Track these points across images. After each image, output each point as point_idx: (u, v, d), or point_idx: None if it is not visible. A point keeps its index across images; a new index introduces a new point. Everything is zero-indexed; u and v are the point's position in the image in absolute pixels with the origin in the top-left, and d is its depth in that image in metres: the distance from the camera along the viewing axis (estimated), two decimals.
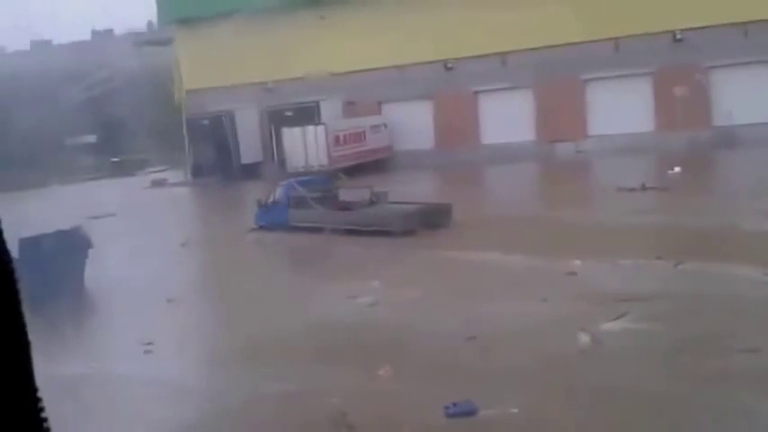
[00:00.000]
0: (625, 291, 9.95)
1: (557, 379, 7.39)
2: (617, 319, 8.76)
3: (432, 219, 15.37)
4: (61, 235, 12.18)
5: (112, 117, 28.95)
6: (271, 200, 17.04)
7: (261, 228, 16.72)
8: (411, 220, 15.27)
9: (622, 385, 7.00)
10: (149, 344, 9.39)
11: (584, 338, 8.35)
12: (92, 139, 35.29)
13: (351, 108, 30.01)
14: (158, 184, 30.70)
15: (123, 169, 34.95)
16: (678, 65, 25.09)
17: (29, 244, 11.55)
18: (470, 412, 6.55)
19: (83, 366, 8.98)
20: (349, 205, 16.61)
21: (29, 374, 0.73)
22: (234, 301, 12.14)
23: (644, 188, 17.56)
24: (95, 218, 16.64)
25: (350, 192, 17.62)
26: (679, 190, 17.48)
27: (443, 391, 7.02)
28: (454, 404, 6.68)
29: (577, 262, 11.51)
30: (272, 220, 16.56)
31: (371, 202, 16.71)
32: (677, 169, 19.61)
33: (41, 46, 42.45)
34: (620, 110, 25.82)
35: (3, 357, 0.69)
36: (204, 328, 11.24)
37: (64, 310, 11.09)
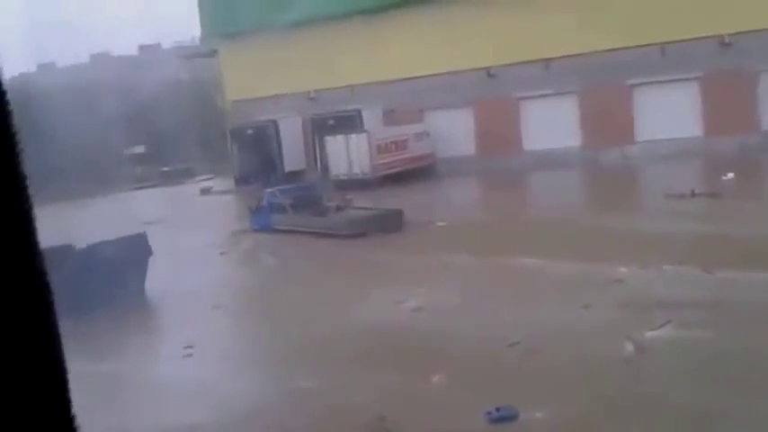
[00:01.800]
0: (670, 298, 9.81)
1: (600, 387, 7.34)
2: (661, 327, 8.64)
3: (386, 223, 16.91)
4: (123, 241, 12.56)
5: (162, 128, 29.64)
6: (258, 206, 19.25)
7: (254, 230, 18.79)
8: (367, 224, 16.92)
9: (663, 395, 6.89)
10: (190, 347, 9.68)
11: (629, 347, 8.27)
12: (142, 149, 36.19)
13: (393, 116, 30.14)
14: (205, 192, 31.30)
15: (172, 178, 35.72)
16: (726, 69, 24.61)
17: (93, 250, 11.97)
18: (512, 417, 6.56)
19: (130, 364, 9.28)
20: (320, 211, 18.47)
21: (60, 368, 0.73)
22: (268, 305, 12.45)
23: (693, 195, 17.08)
24: (147, 224, 17.11)
25: (329, 199, 19.66)
26: (732, 197, 16.82)
27: (482, 394, 7.04)
28: (497, 409, 6.70)
29: (623, 269, 11.39)
30: (260, 223, 18.74)
31: (338, 209, 18.61)
32: (730, 175, 18.87)
33: (98, 59, 43.85)
34: (668, 115, 25.40)
35: (34, 349, 0.69)
36: (248, 332, 11.51)
37: (124, 314, 11.47)
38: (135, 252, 12.46)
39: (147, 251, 12.70)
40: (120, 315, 11.38)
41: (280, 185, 26.89)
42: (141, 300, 12.69)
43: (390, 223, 16.84)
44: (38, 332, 0.71)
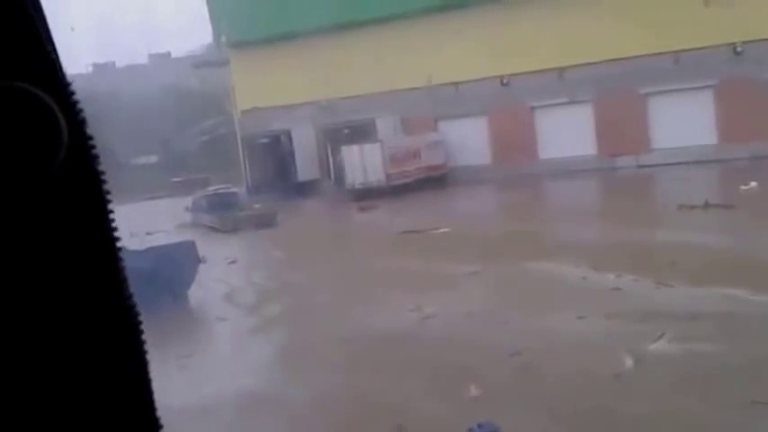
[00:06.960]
0: (666, 311, 9.63)
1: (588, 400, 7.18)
2: (657, 339, 8.46)
3: (262, 221, 21.55)
4: (173, 248, 13.19)
5: (173, 137, 29.68)
6: (191, 206, 24.58)
7: (192, 224, 23.20)
8: (245, 222, 21.54)
9: (649, 413, 6.69)
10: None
11: (625, 360, 8.11)
12: (154, 159, 36.15)
13: (407, 125, 30.06)
14: None
15: (184, 188, 35.63)
16: (740, 77, 24.25)
17: (141, 255, 11.98)
18: None
19: None
20: (224, 211, 22.76)
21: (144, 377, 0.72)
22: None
23: (707, 205, 16.59)
24: (149, 234, 17.12)
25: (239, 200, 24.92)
26: (745, 208, 15.95)
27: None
28: (479, 425, 6.55)
29: (623, 278, 11.27)
30: (193, 219, 23.91)
31: (240, 209, 23.34)
32: (753, 184, 18.08)
33: (103, 68, 43.81)
34: (682, 123, 25.09)
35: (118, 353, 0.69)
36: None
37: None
38: (184, 259, 12.92)
39: (197, 259, 13.27)
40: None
41: (289, 196, 28.05)
42: (185, 303, 12.99)
43: (266, 221, 21.57)
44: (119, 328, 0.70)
